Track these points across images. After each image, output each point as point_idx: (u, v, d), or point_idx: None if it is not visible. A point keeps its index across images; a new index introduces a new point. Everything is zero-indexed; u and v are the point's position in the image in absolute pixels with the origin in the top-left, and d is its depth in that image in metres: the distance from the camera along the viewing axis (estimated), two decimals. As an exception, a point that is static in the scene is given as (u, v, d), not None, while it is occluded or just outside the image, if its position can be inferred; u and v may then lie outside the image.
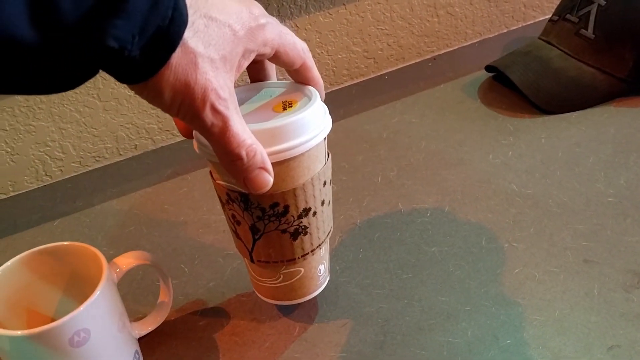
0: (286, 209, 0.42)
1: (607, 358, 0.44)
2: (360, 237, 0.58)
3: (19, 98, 0.64)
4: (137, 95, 0.68)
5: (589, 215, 0.57)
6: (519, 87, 0.72)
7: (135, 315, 0.51)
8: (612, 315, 0.47)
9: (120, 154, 0.74)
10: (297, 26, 0.76)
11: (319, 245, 0.46)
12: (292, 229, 0.44)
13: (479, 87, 0.80)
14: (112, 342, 0.43)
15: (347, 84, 0.85)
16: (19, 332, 0.38)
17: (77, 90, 0.67)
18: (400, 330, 0.48)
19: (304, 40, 0.78)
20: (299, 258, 0.45)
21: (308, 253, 0.46)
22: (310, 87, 0.43)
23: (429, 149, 0.69)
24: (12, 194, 0.70)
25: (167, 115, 0.74)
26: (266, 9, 0.70)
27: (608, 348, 0.45)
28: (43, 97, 0.65)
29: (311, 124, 0.40)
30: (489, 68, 0.79)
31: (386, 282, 0.53)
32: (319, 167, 0.43)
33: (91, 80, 0.64)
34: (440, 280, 0.52)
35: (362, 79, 0.85)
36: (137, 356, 0.46)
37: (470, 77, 0.82)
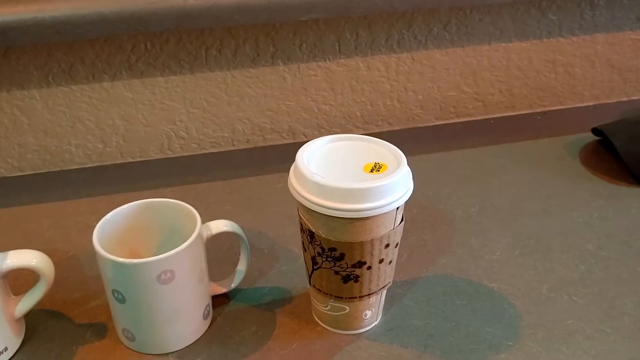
0: (342, 256, 0.47)
1: (637, 421, 0.45)
2: (427, 259, 0.62)
3: (160, 79, 0.75)
4: (257, 96, 0.77)
5: (658, 287, 0.57)
6: (620, 153, 0.73)
7: (213, 277, 0.58)
8: (653, 384, 0.48)
9: (234, 145, 0.83)
10: (414, 59, 0.82)
11: (369, 294, 0.50)
12: (344, 273, 0.48)
13: (582, 147, 0.80)
14: (190, 289, 0.50)
15: (452, 121, 0.89)
16: (120, 259, 0.46)
17: (208, 82, 0.76)
18: (441, 347, 0.51)
19: (418, 72, 0.83)
20: (345, 298, 0.50)
21: (355, 297, 0.50)
22: (401, 154, 0.48)
23: (516, 196, 0.71)
24: (138, 159, 0.80)
25: (281, 118, 0.82)
26: (386, 41, 0.76)
27: (641, 413, 0.45)
28: (180, 82, 0.75)
29: (385, 193, 0.45)
30: (595, 131, 0.79)
31: (440, 303, 0.56)
32: (384, 231, 0.47)
33: (221, 75, 0.73)
34: (492, 313, 0.55)
35: (468, 119, 0.89)
36: (207, 309, 0.53)
37: (576, 137, 0.83)
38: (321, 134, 0.84)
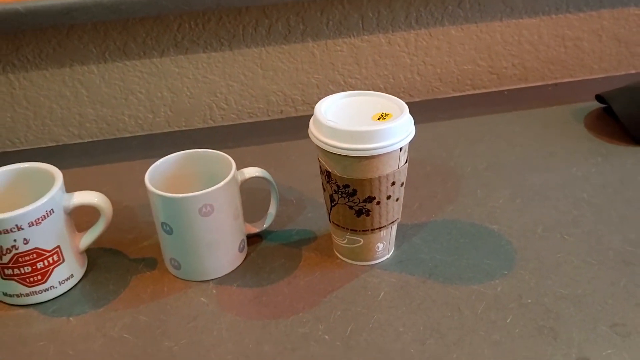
0: (354, 192, 0.56)
1: (608, 332, 0.52)
2: (436, 207, 0.69)
3: (203, 55, 0.85)
4: (289, 70, 0.85)
5: (643, 228, 0.63)
6: (617, 115, 0.79)
7: (249, 219, 0.67)
8: (627, 302, 0.54)
9: (269, 115, 0.92)
10: (431, 35, 0.89)
11: (379, 228, 0.59)
12: (357, 208, 0.57)
13: (587, 114, 0.87)
14: (227, 222, 0.59)
15: (468, 93, 0.96)
16: (168, 194, 0.56)
17: (245, 57, 0.86)
18: (443, 274, 0.59)
19: (435, 47, 0.90)
20: (359, 231, 0.58)
21: (368, 230, 0.58)
22: (404, 105, 0.56)
23: (521, 154, 0.78)
24: (183, 128, 0.90)
25: (311, 90, 0.91)
26: (405, 18, 0.84)
27: (612, 324, 0.52)
28: (220, 58, 0.85)
29: (388, 136, 0.53)
30: (598, 98, 0.85)
31: (445, 241, 0.64)
32: (389, 169, 0.55)
33: (257, 51, 0.82)
34: (491, 249, 0.62)
35: (484, 90, 0.96)
36: (243, 244, 0.62)
37: (583, 105, 0.89)
38: (346, 105, 0.92)
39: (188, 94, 0.88)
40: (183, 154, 0.63)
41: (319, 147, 0.55)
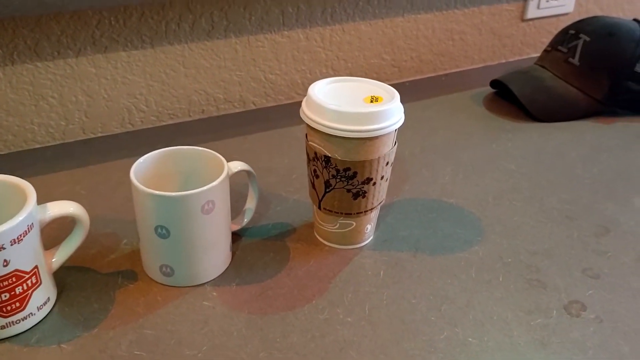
0: (354, 174, 0.57)
1: (583, 276, 0.60)
2: (395, 188, 0.73)
3: (123, 54, 0.79)
4: (212, 67, 0.83)
5: (570, 189, 0.74)
6: (518, 96, 0.90)
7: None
8: (586, 250, 0.64)
9: (190, 115, 0.88)
10: (344, 30, 0.93)
11: (371, 209, 0.61)
12: (354, 190, 0.59)
13: (483, 98, 0.97)
14: (225, 220, 0.57)
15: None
16: (169, 193, 0.52)
17: (167, 55, 0.81)
18: (428, 247, 0.63)
19: (347, 42, 0.94)
20: (354, 214, 0.60)
21: (362, 212, 0.61)
22: (392, 89, 0.59)
23: (445, 136, 0.86)
24: (100, 135, 0.83)
25: (233, 88, 0.89)
26: (321, 14, 0.87)
27: (583, 270, 0.61)
28: (141, 57, 0.80)
29: (389, 116, 0.56)
30: (493, 83, 0.97)
31: (416, 217, 0.68)
32: (386, 150, 0.58)
33: (180, 49, 0.79)
34: (458, 219, 0.68)
35: (388, 82, 1.02)
36: (230, 243, 0.60)
37: (476, 90, 1.00)
38: (267, 102, 0.93)
39: (105, 96, 0.81)
40: (158, 154, 0.59)
41: (320, 131, 0.56)
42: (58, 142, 0.81)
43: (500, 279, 0.59)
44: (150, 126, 0.86)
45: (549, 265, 0.61)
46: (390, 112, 0.56)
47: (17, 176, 0.53)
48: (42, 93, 0.77)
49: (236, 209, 0.67)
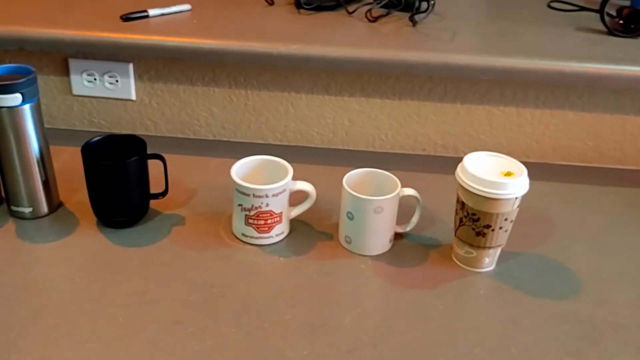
0: (478, 219, 0.85)
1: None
2: (532, 242, 0.97)
3: (378, 100, 1.17)
4: (437, 121, 1.15)
5: None
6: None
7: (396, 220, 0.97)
8: None
9: (413, 150, 1.22)
10: (552, 115, 1.16)
11: (489, 247, 0.87)
12: (477, 230, 0.86)
13: (666, 199, 1.10)
14: (388, 221, 0.90)
15: (573, 164, 1.21)
16: (358, 194, 0.87)
17: (408, 106, 1.17)
18: (532, 292, 0.87)
19: (554, 124, 1.17)
20: (475, 246, 0.87)
21: (480, 247, 0.87)
22: (525, 170, 0.84)
23: (606, 219, 1.03)
24: (340, 147, 1.23)
25: (450, 138, 1.20)
26: (534, 99, 1.11)
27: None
28: (389, 103, 1.17)
29: (507, 188, 0.81)
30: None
31: (534, 268, 0.91)
32: (505, 209, 0.83)
33: (417, 103, 1.12)
34: (568, 283, 0.89)
35: (587, 164, 1.21)
36: (391, 238, 0.93)
37: (664, 191, 1.12)
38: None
39: (361, 125, 1.20)
40: (369, 171, 0.95)
41: (461, 185, 0.85)
42: (322, 146, 1.23)
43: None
44: (385, 151, 1.23)
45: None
46: (507, 186, 0.82)
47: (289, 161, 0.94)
48: (324, 115, 1.19)
49: (407, 218, 0.99)
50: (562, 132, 1.18)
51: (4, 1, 1.23)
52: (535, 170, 1.17)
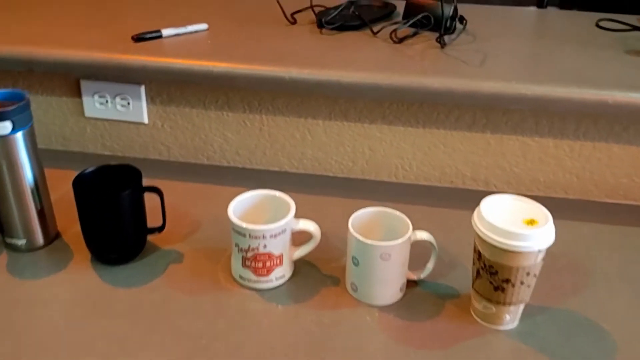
0: (496, 272, 0.75)
1: None
2: (561, 296, 0.86)
3: (401, 128, 1.08)
4: (465, 151, 1.05)
5: None
6: None
7: (409, 266, 0.88)
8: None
9: (440, 182, 1.13)
10: (594, 147, 1.04)
11: (510, 303, 0.77)
12: (495, 284, 0.76)
13: None
14: (397, 268, 0.82)
15: (619, 201, 1.09)
16: (363, 239, 0.79)
17: (434, 135, 1.07)
18: (555, 354, 0.76)
19: (597, 158, 1.05)
20: (493, 301, 0.77)
21: (500, 303, 0.77)
22: (549, 214, 0.74)
23: None
24: (367, 178, 1.14)
25: (480, 170, 1.10)
26: (574, 131, 1.00)
27: None
28: (413, 132, 1.08)
29: (529, 239, 0.71)
30: None
31: (561, 327, 0.81)
32: (527, 263, 0.73)
33: (443, 132, 1.03)
34: (597, 344, 0.78)
35: (634, 202, 1.08)
36: (403, 285, 0.84)
37: None
38: (508, 188, 1.10)
39: (382, 153, 1.11)
40: (375, 210, 0.86)
41: (477, 233, 0.75)
42: (341, 175, 1.15)
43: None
44: (409, 182, 1.14)
45: None
46: (528, 237, 0.72)
47: (288, 193, 0.86)
48: (343, 142, 1.12)
49: (421, 263, 0.89)
50: (606, 166, 1.06)
51: (14, 21, 1.21)
52: (575, 209, 1.07)
